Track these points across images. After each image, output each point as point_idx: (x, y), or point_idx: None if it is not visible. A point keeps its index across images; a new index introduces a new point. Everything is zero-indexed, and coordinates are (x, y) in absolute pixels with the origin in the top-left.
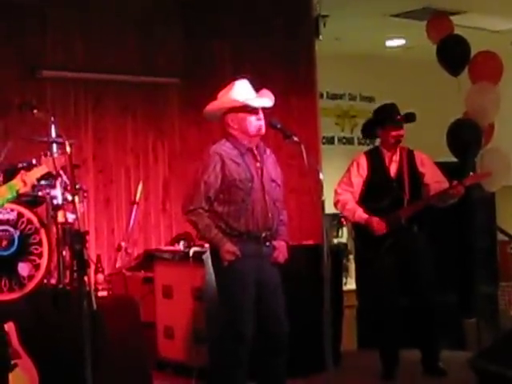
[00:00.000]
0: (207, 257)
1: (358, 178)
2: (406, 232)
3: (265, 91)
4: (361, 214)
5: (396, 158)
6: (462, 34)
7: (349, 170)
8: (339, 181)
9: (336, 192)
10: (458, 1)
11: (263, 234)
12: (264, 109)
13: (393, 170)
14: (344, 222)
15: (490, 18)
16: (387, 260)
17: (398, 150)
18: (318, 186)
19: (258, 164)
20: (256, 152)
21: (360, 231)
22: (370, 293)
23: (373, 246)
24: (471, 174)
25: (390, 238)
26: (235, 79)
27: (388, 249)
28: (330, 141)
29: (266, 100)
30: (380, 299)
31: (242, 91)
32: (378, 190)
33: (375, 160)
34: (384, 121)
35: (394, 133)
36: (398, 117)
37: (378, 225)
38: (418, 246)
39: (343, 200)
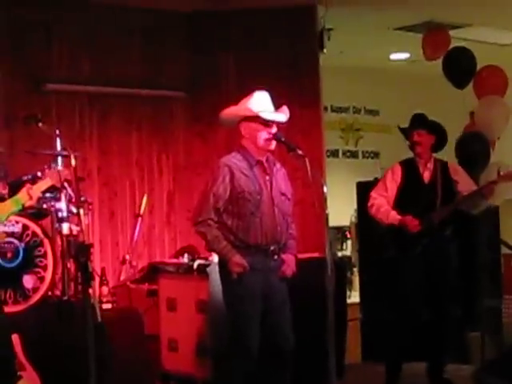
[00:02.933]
0: (211, 269)
1: (393, 184)
2: (438, 235)
3: (283, 108)
4: (394, 216)
5: (430, 165)
6: (467, 47)
7: (384, 177)
8: (375, 187)
9: (371, 196)
10: (462, 14)
11: (271, 248)
12: (278, 125)
13: (426, 176)
14: (348, 235)
15: (495, 31)
16: (416, 269)
17: (431, 158)
18: (322, 198)
19: (268, 177)
20: (266, 165)
21: (394, 233)
22: (391, 301)
23: (407, 247)
24: (502, 173)
25: (424, 239)
26: (256, 89)
27: (420, 253)
28: (334, 154)
29: (280, 115)
30: (403, 308)
31: (259, 102)
32: (411, 195)
33: (409, 167)
34: (407, 128)
35: (411, 138)
36: (416, 123)
37: (412, 222)
38: (449, 255)
39: (378, 203)
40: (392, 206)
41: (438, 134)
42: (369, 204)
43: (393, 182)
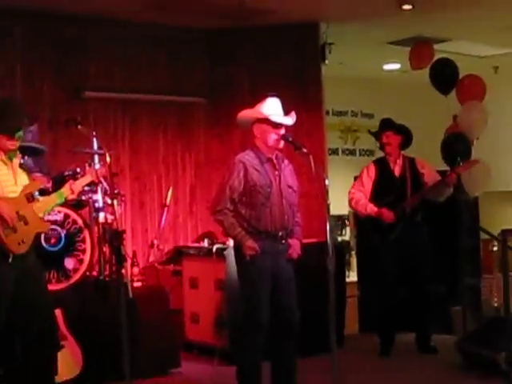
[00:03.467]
0: (228, 252)
1: (368, 179)
2: (410, 222)
3: (292, 113)
4: (372, 207)
5: (399, 162)
6: (450, 59)
7: (361, 174)
8: (353, 184)
9: (350, 192)
10: (445, 29)
11: (280, 233)
12: (286, 127)
13: (397, 171)
14: (347, 223)
15: (474, 45)
16: (392, 253)
17: (400, 156)
18: (324, 191)
19: (277, 172)
20: (275, 161)
21: (371, 222)
22: (375, 281)
23: (383, 234)
24: (461, 163)
25: (398, 226)
26: (268, 96)
27: (395, 239)
28: (334, 152)
29: (287, 119)
30: (383, 287)
31: (270, 107)
32: (385, 188)
33: (382, 164)
34: (377, 131)
35: (380, 140)
36: (384, 126)
37: (387, 214)
38: (420, 239)
39: (357, 197)
40: (369, 198)
41: (404, 134)
42: (349, 198)
43: (368, 178)
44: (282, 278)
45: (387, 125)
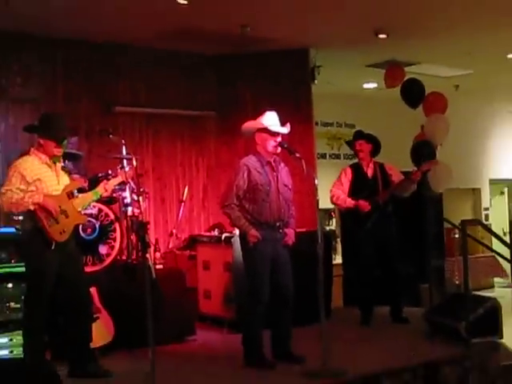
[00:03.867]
0: (234, 240)
1: (345, 180)
2: (383, 213)
3: (287, 124)
4: (350, 200)
5: (371, 165)
6: (418, 79)
7: (339, 176)
8: (333, 184)
9: (331, 190)
10: (415, 55)
11: (277, 224)
12: (282, 135)
13: (369, 173)
14: (333, 215)
15: (438, 67)
16: (368, 240)
17: (371, 161)
18: (314, 189)
19: (275, 173)
20: (273, 164)
21: (351, 214)
22: (355, 263)
23: (361, 223)
24: (423, 164)
25: (373, 216)
26: (267, 110)
27: (370, 228)
28: (322, 156)
29: (283, 128)
30: (362, 268)
31: (269, 119)
32: (360, 186)
33: (356, 168)
34: (351, 140)
35: (354, 148)
36: (357, 136)
37: (363, 204)
38: (390, 228)
39: (337, 194)
40: (346, 195)
41: (374, 143)
42: (330, 195)
43: (345, 179)
44: (279, 261)
45: (359, 135)
